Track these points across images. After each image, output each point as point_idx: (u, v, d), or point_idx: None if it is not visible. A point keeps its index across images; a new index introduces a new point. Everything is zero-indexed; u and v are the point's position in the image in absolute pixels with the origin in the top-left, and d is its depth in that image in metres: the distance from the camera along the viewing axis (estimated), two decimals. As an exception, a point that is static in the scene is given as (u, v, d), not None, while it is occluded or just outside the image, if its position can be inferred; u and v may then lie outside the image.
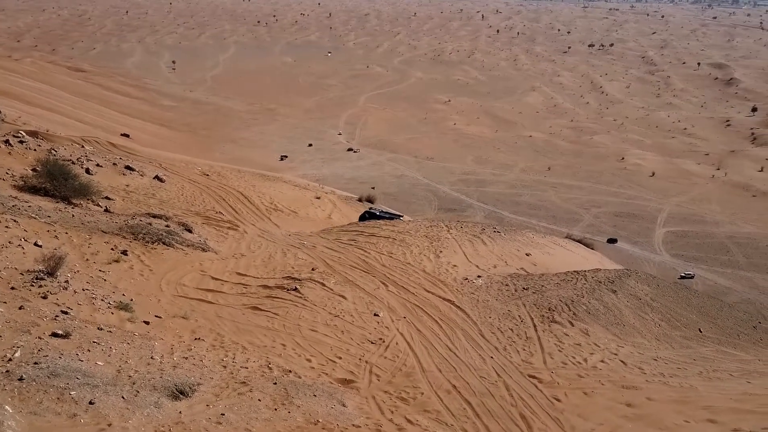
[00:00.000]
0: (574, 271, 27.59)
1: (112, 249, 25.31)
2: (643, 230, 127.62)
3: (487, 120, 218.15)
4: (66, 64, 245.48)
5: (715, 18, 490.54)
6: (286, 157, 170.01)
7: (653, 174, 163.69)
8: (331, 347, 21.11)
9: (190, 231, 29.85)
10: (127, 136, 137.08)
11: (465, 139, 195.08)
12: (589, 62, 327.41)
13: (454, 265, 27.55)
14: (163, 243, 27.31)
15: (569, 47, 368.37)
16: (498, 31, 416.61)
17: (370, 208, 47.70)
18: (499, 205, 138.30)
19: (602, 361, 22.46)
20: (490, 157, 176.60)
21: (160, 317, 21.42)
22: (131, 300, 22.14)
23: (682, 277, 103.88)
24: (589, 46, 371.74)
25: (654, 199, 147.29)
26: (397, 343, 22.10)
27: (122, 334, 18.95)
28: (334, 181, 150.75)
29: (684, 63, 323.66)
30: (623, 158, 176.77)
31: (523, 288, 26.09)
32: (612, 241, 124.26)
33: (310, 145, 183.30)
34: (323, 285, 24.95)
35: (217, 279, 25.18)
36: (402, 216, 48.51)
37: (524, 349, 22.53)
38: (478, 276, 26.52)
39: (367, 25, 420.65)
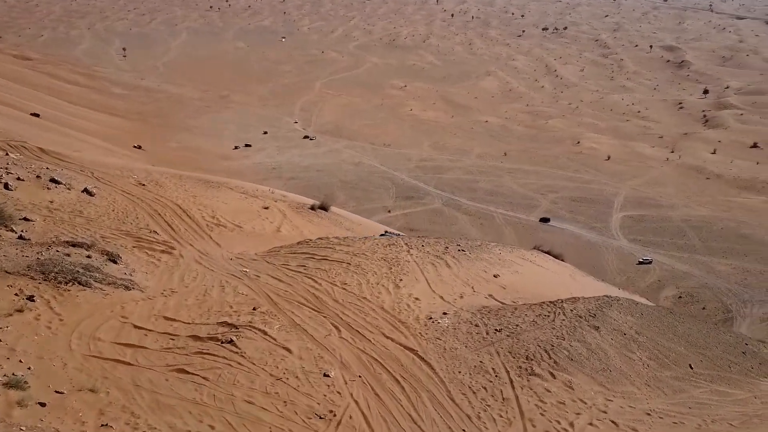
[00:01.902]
0: (550, 303, 23.73)
1: (15, 295, 20.76)
2: (600, 215, 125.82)
3: (443, 105, 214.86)
4: (12, 52, 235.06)
5: (666, 1, 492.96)
6: (249, 145, 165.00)
7: (609, 158, 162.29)
8: (270, 427, 16.95)
9: (115, 262, 25.30)
10: (36, 115, 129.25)
11: (421, 125, 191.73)
12: (543, 46, 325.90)
13: (416, 298, 23.57)
14: (79, 283, 22.71)
15: (523, 31, 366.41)
16: (452, 15, 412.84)
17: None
18: (457, 192, 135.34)
19: (591, 424, 18.84)
20: (446, 143, 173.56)
21: (62, 393, 17.02)
22: (29, 369, 17.74)
23: (640, 263, 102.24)
24: (543, 29, 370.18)
25: (610, 183, 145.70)
26: (351, 417, 18.12)
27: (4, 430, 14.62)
28: (290, 170, 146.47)
29: (636, 46, 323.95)
30: (579, 142, 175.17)
31: (496, 330, 22.28)
32: (544, 220, 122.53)
33: (265, 132, 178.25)
34: (265, 333, 20.74)
35: (140, 328, 20.75)
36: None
37: (501, 416, 18.77)
38: (444, 313, 22.73)
39: (321, 10, 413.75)
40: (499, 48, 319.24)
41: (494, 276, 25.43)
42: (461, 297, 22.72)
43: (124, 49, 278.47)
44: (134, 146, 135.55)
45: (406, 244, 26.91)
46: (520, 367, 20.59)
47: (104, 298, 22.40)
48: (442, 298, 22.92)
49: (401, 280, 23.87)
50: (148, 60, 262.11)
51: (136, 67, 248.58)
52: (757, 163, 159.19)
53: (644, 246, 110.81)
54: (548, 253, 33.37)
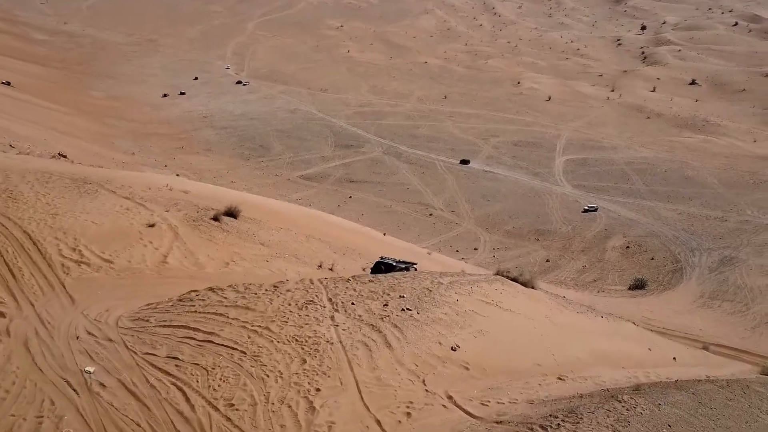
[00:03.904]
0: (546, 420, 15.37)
1: None
2: (543, 160, 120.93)
3: (381, 46, 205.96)
4: None
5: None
6: (183, 93, 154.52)
7: (549, 98, 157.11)
8: None
9: None
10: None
11: (359, 68, 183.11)
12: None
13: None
14: None
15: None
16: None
17: (382, 258, 34.16)
18: (397, 138, 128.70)
19: None
20: (385, 87, 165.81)
21: None
22: None
23: (586, 210, 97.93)
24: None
25: (551, 125, 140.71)
26: None
27: None
28: (223, 118, 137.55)
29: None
30: (519, 82, 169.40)
31: None
32: (465, 162, 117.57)
33: (196, 78, 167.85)
34: None
35: None
36: (415, 264, 35.00)
37: None
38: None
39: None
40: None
41: (452, 349, 17.63)
42: (408, 415, 14.53)
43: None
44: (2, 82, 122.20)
45: (330, 301, 18.68)
46: None
47: None
48: (379, 423, 14.46)
49: (318, 390, 15.03)
50: (71, 2, 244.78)
51: (59, 11, 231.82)
52: (696, 101, 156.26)
53: (588, 192, 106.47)
54: (515, 280, 25.71)
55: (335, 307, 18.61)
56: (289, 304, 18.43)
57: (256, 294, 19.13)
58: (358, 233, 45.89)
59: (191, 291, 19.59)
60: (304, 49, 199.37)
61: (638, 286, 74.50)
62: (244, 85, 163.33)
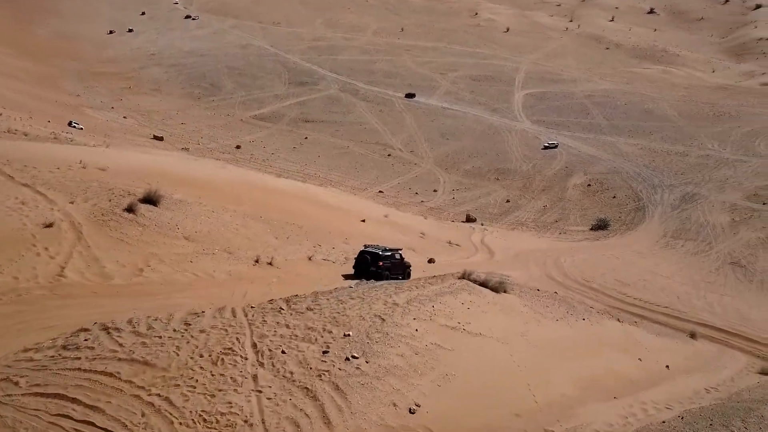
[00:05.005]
0: None
1: None
2: (502, 94, 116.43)
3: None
4: None
5: None
6: (131, 30, 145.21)
7: (507, 30, 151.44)
8: None
9: None
10: None
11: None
12: None
13: None
14: None
15: None
16: None
17: (366, 246, 29.93)
18: (354, 74, 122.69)
19: None
20: (340, 19, 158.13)
21: None
22: None
23: (546, 147, 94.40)
24: None
25: (510, 57, 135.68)
26: None
27: None
28: (171, 56, 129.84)
29: None
30: (476, 14, 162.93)
31: None
32: (410, 95, 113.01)
33: (143, 13, 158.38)
34: None
35: None
36: (400, 250, 30.85)
37: None
38: None
39: None
40: None
41: (410, 411, 12.97)
42: None
43: None
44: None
45: (254, 348, 13.69)
46: None
47: None
48: None
49: None
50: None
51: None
52: (655, 30, 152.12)
53: (548, 128, 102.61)
54: (484, 285, 20.82)
55: (260, 358, 13.99)
56: (201, 356, 13.83)
57: (160, 338, 14.54)
58: (305, 200, 40.80)
59: (81, 330, 14.99)
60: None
61: (601, 226, 71.60)
62: (194, 19, 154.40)
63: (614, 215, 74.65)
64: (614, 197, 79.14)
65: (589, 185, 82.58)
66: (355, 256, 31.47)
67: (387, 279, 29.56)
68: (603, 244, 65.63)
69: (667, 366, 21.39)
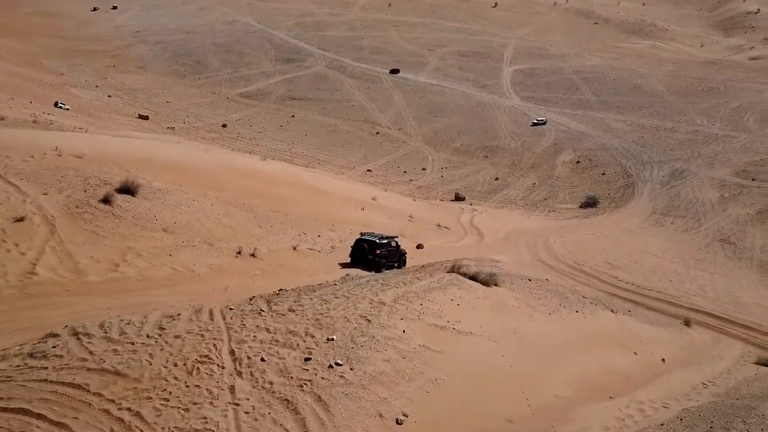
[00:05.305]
0: None
1: None
2: (491, 70, 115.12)
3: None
4: None
5: None
6: (116, 8, 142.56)
7: (496, 5, 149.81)
8: None
9: None
10: None
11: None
12: None
13: None
14: None
15: None
16: None
17: (362, 234, 29.27)
18: (341, 51, 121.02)
19: None
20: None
21: None
22: None
23: (535, 124, 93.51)
24: None
25: (498, 33, 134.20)
26: None
27: None
28: (156, 33, 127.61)
29: None
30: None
31: None
32: (394, 71, 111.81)
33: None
34: None
35: None
36: (396, 237, 30.36)
37: None
38: None
39: None
40: None
41: (398, 422, 11.90)
42: None
43: None
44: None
45: (232, 355, 11.99)
46: None
47: None
48: None
49: None
50: None
51: None
52: (644, 5, 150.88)
53: (537, 104, 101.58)
54: (474, 278, 19.58)
55: (238, 367, 12.98)
56: (175, 365, 12.85)
57: (132, 345, 13.49)
58: (291, 184, 39.41)
59: (49, 336, 14.00)
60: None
61: (590, 203, 70.80)
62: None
63: (603, 192, 73.91)
64: (603, 174, 78.41)
65: (578, 162, 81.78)
66: (341, 244, 31.09)
67: (384, 267, 29.36)
68: (592, 222, 64.89)
69: (663, 359, 20.64)
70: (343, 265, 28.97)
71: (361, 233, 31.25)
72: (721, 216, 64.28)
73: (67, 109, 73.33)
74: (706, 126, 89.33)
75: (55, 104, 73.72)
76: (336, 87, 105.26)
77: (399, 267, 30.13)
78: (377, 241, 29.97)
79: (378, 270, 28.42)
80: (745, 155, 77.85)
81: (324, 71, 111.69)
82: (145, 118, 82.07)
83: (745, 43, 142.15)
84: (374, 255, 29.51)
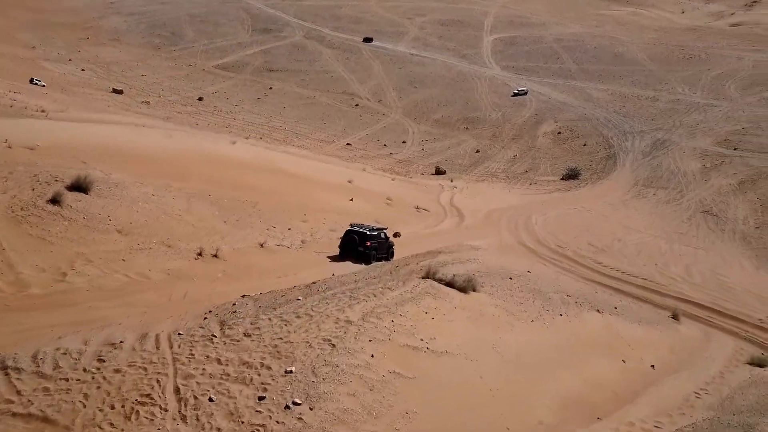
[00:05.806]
0: None
1: None
2: (471, 39, 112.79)
3: None
4: None
5: None
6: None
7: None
8: None
9: None
10: None
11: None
12: None
13: None
14: None
15: None
16: None
17: (352, 225, 28.23)
18: (319, 20, 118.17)
19: None
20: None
21: None
22: None
23: (516, 94, 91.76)
24: None
25: (479, 1, 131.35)
26: None
27: None
28: (131, 4, 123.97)
29: None
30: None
31: None
32: (368, 39, 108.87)
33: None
34: None
35: None
36: (385, 229, 31.81)
37: None
38: None
39: None
40: None
41: None
42: None
43: None
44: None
45: (176, 393, 10.41)
46: None
47: None
48: None
49: None
50: None
51: None
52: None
53: (518, 73, 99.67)
54: (450, 285, 17.80)
55: (183, 409, 11.23)
56: (112, 407, 11.14)
57: (67, 381, 11.82)
58: (263, 169, 37.35)
59: None
60: None
61: (571, 175, 69.47)
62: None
63: (585, 164, 72.58)
64: (585, 145, 77.01)
65: (559, 133, 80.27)
66: (312, 237, 30.45)
67: (374, 258, 29.20)
68: (574, 195, 63.61)
69: (653, 366, 19.22)
70: (332, 258, 27.87)
71: (351, 224, 30.74)
72: (703, 187, 63.19)
73: (43, 85, 70.77)
74: (687, 95, 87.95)
75: (31, 80, 71.15)
76: (314, 58, 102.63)
77: (387, 259, 29.73)
78: (367, 233, 29.68)
79: (368, 262, 28.33)
80: (727, 124, 76.62)
81: (302, 41, 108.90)
82: (120, 92, 79.48)
83: (725, 9, 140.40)
84: (364, 247, 29.19)
